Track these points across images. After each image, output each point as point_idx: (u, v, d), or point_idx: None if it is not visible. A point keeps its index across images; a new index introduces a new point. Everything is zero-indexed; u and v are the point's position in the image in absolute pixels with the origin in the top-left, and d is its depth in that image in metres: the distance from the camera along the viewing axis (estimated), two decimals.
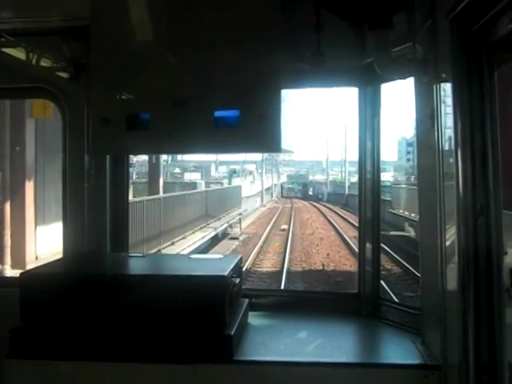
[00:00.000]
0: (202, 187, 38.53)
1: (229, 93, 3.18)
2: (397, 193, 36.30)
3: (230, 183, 57.65)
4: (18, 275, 3.31)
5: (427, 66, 3.10)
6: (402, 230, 27.24)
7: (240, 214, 38.32)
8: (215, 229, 29.10)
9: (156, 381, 3.08)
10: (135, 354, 3.09)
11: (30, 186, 16.66)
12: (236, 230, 34.29)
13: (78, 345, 3.12)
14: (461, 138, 2.66)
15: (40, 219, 17.74)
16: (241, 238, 31.29)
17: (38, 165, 17.36)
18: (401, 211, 32.04)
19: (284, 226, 37.27)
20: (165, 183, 34.72)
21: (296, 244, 28.85)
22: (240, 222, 36.33)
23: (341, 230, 33.74)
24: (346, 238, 29.61)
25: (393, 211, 32.77)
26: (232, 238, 31.23)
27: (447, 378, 2.92)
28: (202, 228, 27.76)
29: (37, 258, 16.75)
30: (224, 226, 31.87)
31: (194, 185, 40.30)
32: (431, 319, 3.25)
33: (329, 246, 28.24)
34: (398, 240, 25.09)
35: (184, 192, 30.08)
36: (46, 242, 17.11)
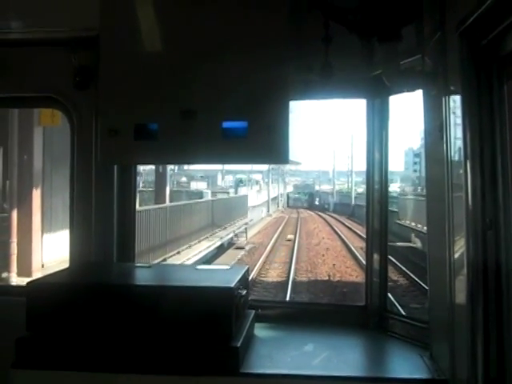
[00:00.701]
0: (209, 196, 38.57)
1: (237, 104, 3.18)
2: (403, 204, 36.19)
3: (236, 193, 57.71)
4: (23, 283, 3.31)
5: (436, 79, 3.09)
6: (409, 241, 27.16)
7: (246, 224, 38.30)
8: (221, 238, 29.09)
9: None
10: (141, 366, 3.07)
11: (37, 194, 16.71)
12: (242, 240, 34.24)
13: (83, 355, 3.11)
14: (470, 151, 2.65)
15: (47, 227, 17.84)
16: (247, 248, 31.25)
17: (45, 172, 17.45)
18: (407, 222, 31.92)
19: (290, 236, 37.18)
20: (171, 192, 34.79)
21: (302, 254, 28.78)
22: (246, 232, 36.27)
23: (347, 241, 33.65)
24: (353, 248, 29.51)
25: (399, 222, 32.66)
26: (238, 248, 31.21)
27: None
28: (207, 237, 27.74)
29: (43, 266, 16.79)
30: (230, 236, 31.85)
31: (200, 194, 40.42)
32: (439, 333, 3.22)
33: (335, 256, 28.15)
34: (405, 251, 25.00)
35: (190, 201, 30.15)
36: (52, 250, 17.18)
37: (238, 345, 3.09)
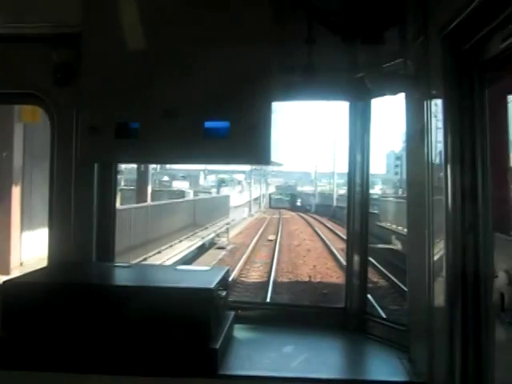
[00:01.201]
0: (190, 196, 38.47)
1: (219, 104, 3.16)
2: (384, 206, 36.38)
3: (218, 192, 57.64)
4: (1, 283, 3.26)
5: (418, 83, 3.10)
6: (389, 243, 27.34)
7: (228, 224, 38.28)
8: (202, 238, 29.05)
9: None
10: (118, 366, 3.04)
11: (16, 191, 16.57)
12: (223, 240, 34.21)
13: (58, 356, 3.07)
14: (451, 154, 2.67)
15: (26, 224, 17.65)
16: (228, 248, 31.24)
17: (25, 169, 17.28)
18: (388, 224, 32.12)
19: (271, 237, 37.26)
20: (153, 191, 34.64)
21: (283, 255, 28.85)
22: (227, 232, 36.25)
23: (328, 242, 33.80)
24: (333, 249, 29.65)
25: (380, 224, 32.85)
26: (219, 248, 31.18)
27: None
28: (188, 237, 27.67)
29: (22, 263, 16.62)
30: (211, 236, 31.81)
31: (181, 193, 40.27)
32: (418, 336, 3.23)
33: (316, 257, 28.27)
34: (385, 253, 25.16)
35: (172, 200, 30.04)
36: (31, 248, 16.96)
37: (217, 346, 3.07)
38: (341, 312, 4.09)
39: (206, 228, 32.34)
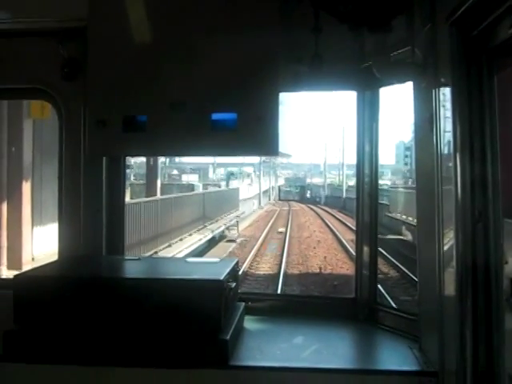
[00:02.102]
0: (200, 189, 38.46)
1: (226, 95, 3.16)
2: (394, 196, 36.22)
3: (227, 185, 57.65)
4: (13, 277, 3.28)
5: (426, 71, 3.08)
6: (400, 233, 27.24)
7: (237, 217, 38.29)
8: (212, 231, 29.06)
9: None
10: (129, 359, 3.06)
11: (26, 187, 16.56)
12: (233, 233, 34.25)
13: (71, 349, 3.09)
14: (460, 143, 2.64)
15: (37, 220, 17.68)
16: (238, 241, 31.27)
17: (35, 165, 17.29)
18: (398, 215, 31.97)
19: (281, 229, 37.24)
20: (162, 185, 34.66)
21: (293, 247, 28.85)
22: (237, 225, 36.27)
23: (338, 234, 33.74)
24: (344, 241, 29.59)
25: (390, 215, 32.71)
26: (229, 241, 31.23)
27: None
28: (199, 230, 27.69)
29: (33, 259, 16.64)
30: (221, 229, 31.83)
31: (191, 187, 40.31)
32: (429, 325, 3.22)
33: (326, 249, 28.24)
34: (395, 244, 25.09)
35: (182, 194, 30.04)
36: (42, 243, 17.04)
37: (227, 337, 3.08)
38: (351, 302, 4.08)
39: (216, 221, 32.35)
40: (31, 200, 16.96)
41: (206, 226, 29.36)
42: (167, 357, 3.05)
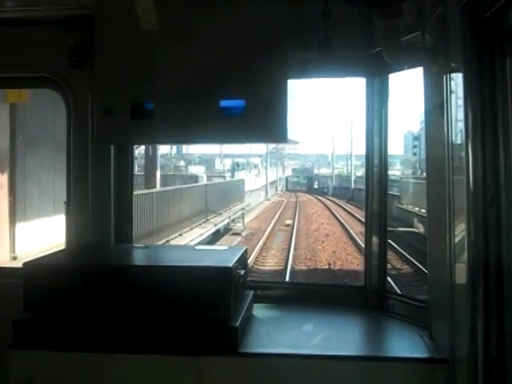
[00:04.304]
0: (204, 180, 38.10)
1: (234, 82, 3.14)
2: (406, 187, 35.68)
3: (232, 176, 57.54)
4: (22, 265, 3.28)
5: (437, 55, 3.04)
6: (411, 226, 26.84)
7: (243, 209, 37.99)
8: (215, 225, 28.64)
9: (160, 373, 3.05)
10: (139, 346, 3.06)
11: (3, 179, 14.94)
12: (238, 225, 34.04)
13: (80, 336, 3.10)
14: (471, 129, 2.61)
15: (21, 215, 16.22)
16: (243, 234, 31.01)
17: (17, 155, 15.88)
18: (410, 207, 31.46)
19: (288, 221, 37.05)
20: (165, 176, 34.02)
21: (301, 240, 28.51)
22: (243, 217, 36.08)
23: (347, 226, 33.40)
24: (353, 233, 29.21)
25: (401, 206, 32.23)
26: (234, 234, 30.96)
27: (455, 371, 2.88)
28: (200, 224, 27.08)
29: (15, 258, 15.15)
30: (225, 222, 31.55)
31: (195, 178, 39.94)
32: (439, 312, 3.21)
33: (335, 242, 27.82)
34: (407, 236, 24.57)
35: (181, 186, 29.16)
36: (27, 240, 15.61)
37: (237, 325, 3.08)
38: (360, 290, 4.07)
39: (220, 214, 31.92)
40: (12, 194, 15.46)
41: (208, 220, 28.99)
42: (177, 344, 3.05)
